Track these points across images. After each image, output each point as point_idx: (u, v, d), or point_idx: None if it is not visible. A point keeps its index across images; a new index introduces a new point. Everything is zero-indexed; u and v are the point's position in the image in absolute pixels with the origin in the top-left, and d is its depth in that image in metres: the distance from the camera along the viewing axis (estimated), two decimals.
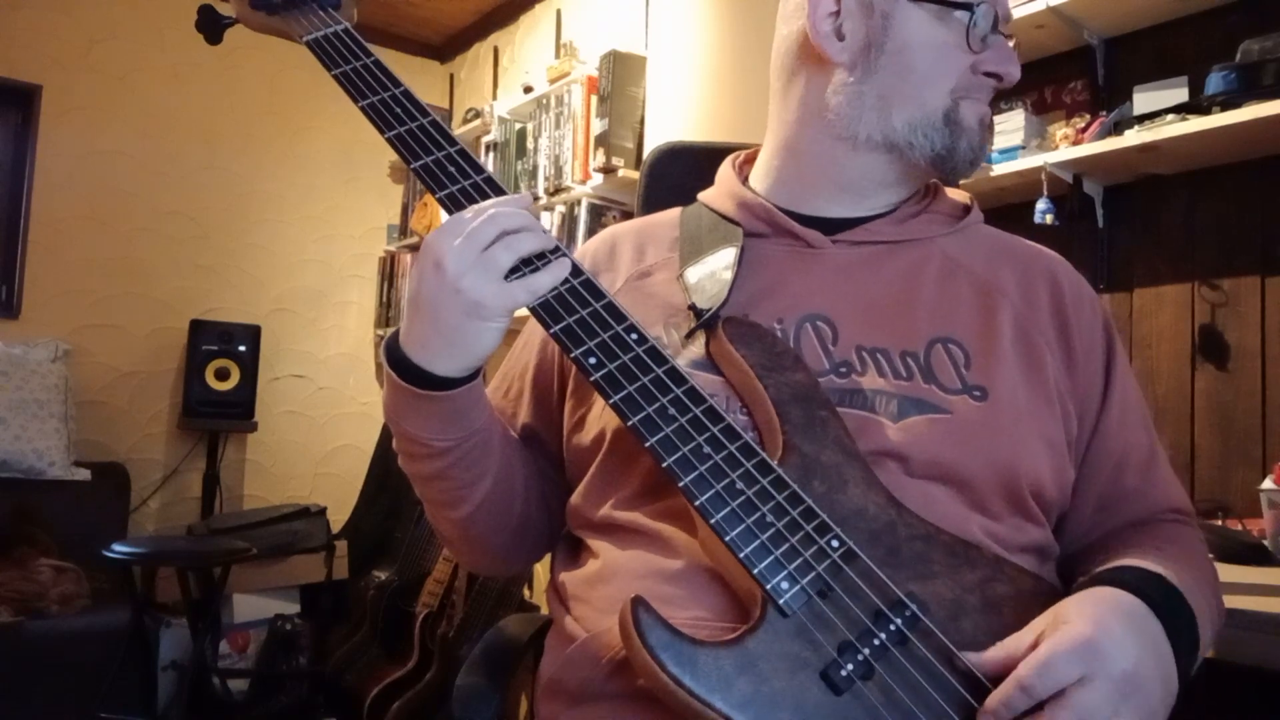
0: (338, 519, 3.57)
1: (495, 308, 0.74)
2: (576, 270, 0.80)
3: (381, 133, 0.86)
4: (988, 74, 0.88)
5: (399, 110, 0.87)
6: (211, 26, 1.03)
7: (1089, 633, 0.64)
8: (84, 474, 3.11)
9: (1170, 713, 0.68)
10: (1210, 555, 0.88)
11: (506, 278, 0.74)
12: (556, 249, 0.78)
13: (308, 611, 3.31)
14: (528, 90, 3.25)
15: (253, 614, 3.22)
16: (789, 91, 0.95)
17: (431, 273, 0.74)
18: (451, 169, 0.83)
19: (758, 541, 0.69)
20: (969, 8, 0.85)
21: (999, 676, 0.65)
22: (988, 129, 0.90)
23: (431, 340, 0.76)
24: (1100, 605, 0.68)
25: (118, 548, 2.57)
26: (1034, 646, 0.65)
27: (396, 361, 0.78)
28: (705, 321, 0.84)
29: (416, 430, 0.81)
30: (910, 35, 0.87)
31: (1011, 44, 0.90)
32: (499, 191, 0.82)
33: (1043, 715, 0.62)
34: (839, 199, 0.93)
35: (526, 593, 2.81)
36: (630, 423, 0.73)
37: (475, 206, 0.77)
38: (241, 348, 3.53)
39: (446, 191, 0.82)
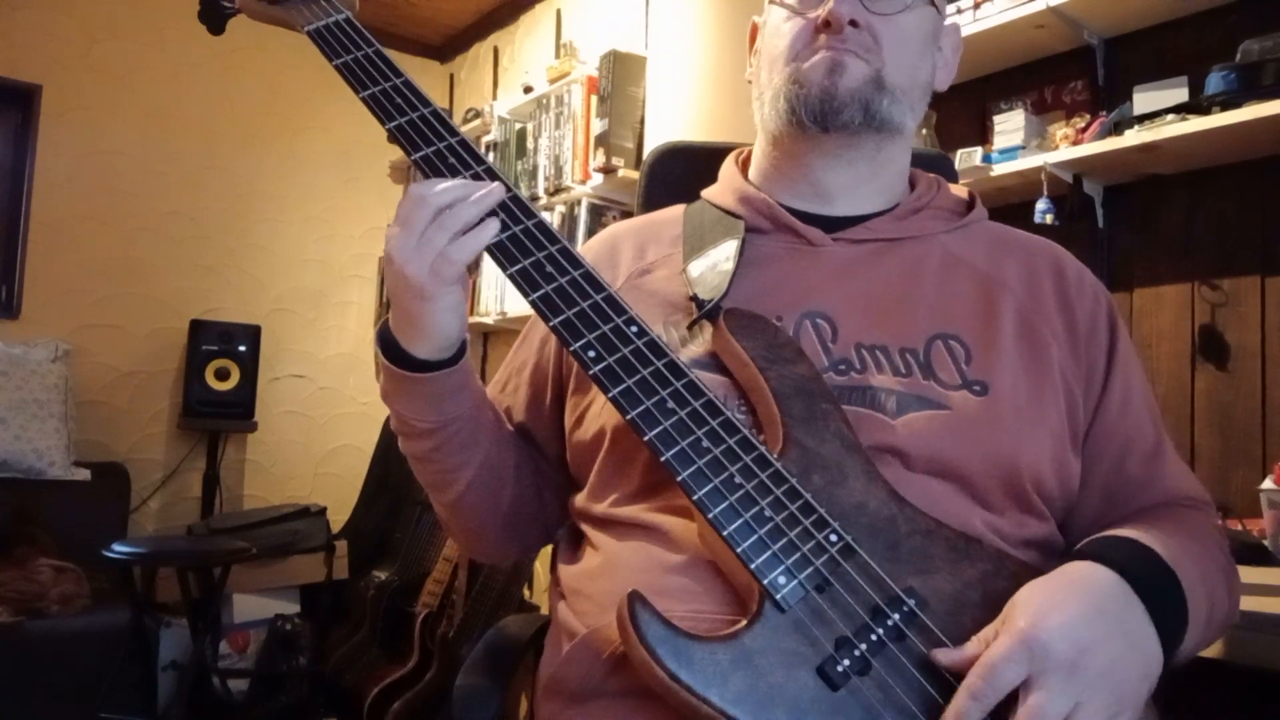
0: (338, 519, 3.57)
1: (432, 288, 0.76)
2: (576, 262, 0.80)
3: (383, 123, 0.86)
4: (822, 26, 0.89)
5: (400, 101, 0.87)
6: (214, 16, 1.03)
7: (1024, 629, 0.63)
8: (84, 474, 3.11)
9: (1154, 686, 0.67)
10: (1225, 540, 0.86)
11: None
12: (505, 208, 0.79)
13: (308, 611, 3.31)
14: (528, 90, 3.25)
15: (253, 614, 3.21)
16: None
17: (387, 264, 0.78)
18: (453, 160, 0.83)
19: (755, 536, 0.69)
20: None
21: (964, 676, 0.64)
22: (844, 73, 0.88)
23: (403, 326, 0.80)
24: (1051, 590, 0.68)
25: (118, 548, 2.57)
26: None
27: (387, 342, 0.82)
28: (707, 312, 0.84)
29: (403, 410, 0.86)
30: (768, 31, 0.96)
31: None
32: (499, 180, 0.82)
33: None
34: (801, 192, 0.95)
35: (526, 593, 2.81)
36: (629, 416, 0.73)
37: (413, 194, 0.77)
38: (241, 348, 3.53)
39: None
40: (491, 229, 0.78)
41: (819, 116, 0.88)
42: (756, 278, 0.89)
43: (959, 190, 0.99)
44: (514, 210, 0.81)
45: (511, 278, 0.79)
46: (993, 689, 0.62)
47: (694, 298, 0.87)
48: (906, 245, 0.91)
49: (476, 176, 0.82)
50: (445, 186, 0.78)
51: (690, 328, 0.86)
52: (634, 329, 0.78)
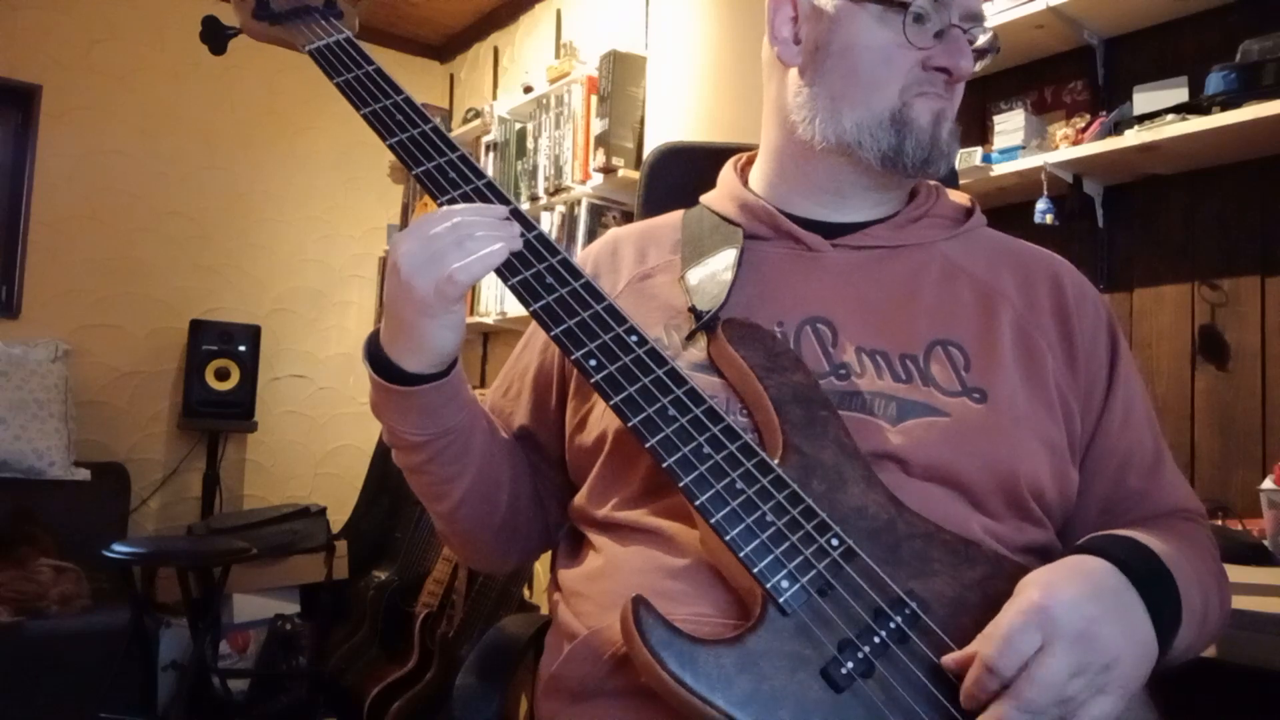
0: (338, 519, 3.57)
1: (437, 304, 0.76)
2: (576, 273, 0.81)
3: (383, 139, 0.87)
4: (938, 68, 0.87)
5: (400, 117, 0.88)
6: (216, 37, 1.04)
7: (1037, 599, 0.64)
8: (84, 474, 3.11)
9: (1148, 674, 0.67)
10: (1218, 551, 0.87)
11: None
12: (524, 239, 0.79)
13: (308, 611, 3.31)
14: (528, 90, 3.25)
15: (253, 614, 3.22)
16: (767, 95, 0.98)
17: (391, 272, 0.77)
18: (453, 174, 0.84)
19: (758, 540, 0.69)
20: (904, 6, 0.85)
21: None
22: (945, 124, 0.88)
23: (397, 337, 0.80)
24: (1056, 571, 0.69)
25: (118, 548, 2.57)
26: None
27: (374, 356, 0.81)
28: (705, 323, 0.85)
29: (393, 423, 0.85)
30: (853, 36, 0.87)
31: (984, 39, 0.89)
32: (499, 196, 0.83)
33: (1009, 692, 0.61)
34: (822, 200, 0.94)
35: (526, 593, 2.81)
36: (631, 423, 0.73)
37: (442, 211, 0.78)
38: (241, 348, 3.53)
39: (448, 197, 0.83)
40: (500, 252, 0.77)
41: (915, 165, 0.87)
42: (757, 284, 0.89)
43: (958, 196, 0.99)
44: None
45: (513, 289, 0.79)
46: (1009, 660, 0.62)
47: (692, 309, 0.87)
48: (906, 253, 0.92)
49: (477, 191, 0.83)
50: (474, 218, 0.77)
51: (689, 338, 0.86)
52: (634, 338, 0.78)
